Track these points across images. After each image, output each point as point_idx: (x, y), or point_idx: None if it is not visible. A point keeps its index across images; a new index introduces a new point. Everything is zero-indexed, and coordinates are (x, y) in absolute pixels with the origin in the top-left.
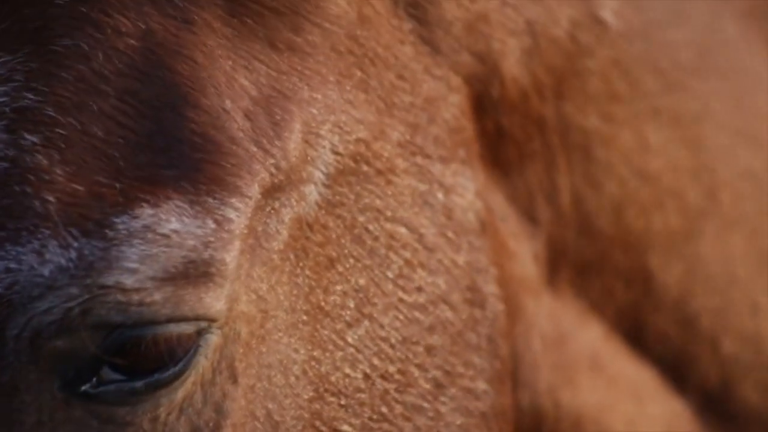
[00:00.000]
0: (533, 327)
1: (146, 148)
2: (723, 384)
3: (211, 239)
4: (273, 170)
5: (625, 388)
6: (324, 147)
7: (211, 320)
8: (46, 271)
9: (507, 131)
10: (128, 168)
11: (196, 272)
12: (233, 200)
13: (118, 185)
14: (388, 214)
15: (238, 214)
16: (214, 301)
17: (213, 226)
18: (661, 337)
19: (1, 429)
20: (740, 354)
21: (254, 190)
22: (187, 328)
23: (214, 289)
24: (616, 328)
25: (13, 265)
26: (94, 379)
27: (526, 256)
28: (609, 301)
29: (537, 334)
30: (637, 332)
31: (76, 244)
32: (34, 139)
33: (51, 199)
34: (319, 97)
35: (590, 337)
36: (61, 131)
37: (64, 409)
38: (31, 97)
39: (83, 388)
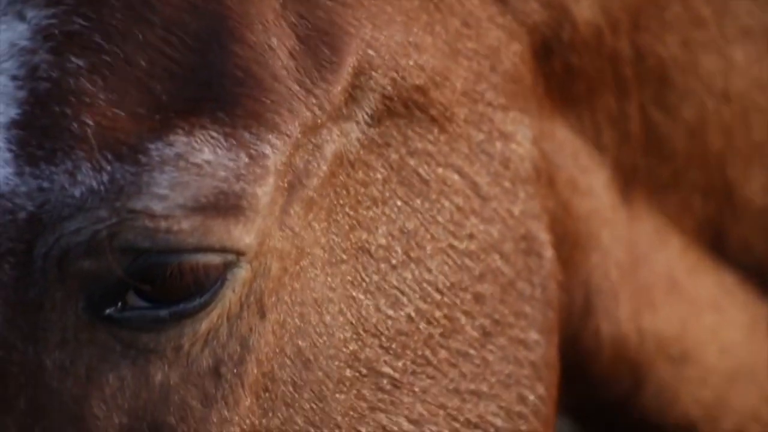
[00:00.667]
0: (609, 257)
1: (188, 82)
2: None
3: (243, 173)
4: (316, 110)
5: (705, 301)
6: (374, 90)
7: (239, 253)
8: (77, 192)
9: (576, 69)
10: (169, 100)
11: (226, 204)
12: (270, 137)
13: (157, 116)
14: (441, 159)
15: (275, 150)
16: (243, 234)
17: (246, 160)
18: (744, 245)
19: (24, 345)
20: None
21: (294, 128)
22: (214, 259)
23: (244, 222)
24: (696, 239)
25: (45, 184)
26: (119, 304)
27: (597, 186)
28: (687, 215)
29: (613, 264)
30: (718, 242)
31: (108, 168)
32: (80, 63)
33: (89, 122)
34: (382, 38)
35: (666, 257)
36: (106, 58)
37: (88, 331)
38: (80, 22)
39: (108, 311)
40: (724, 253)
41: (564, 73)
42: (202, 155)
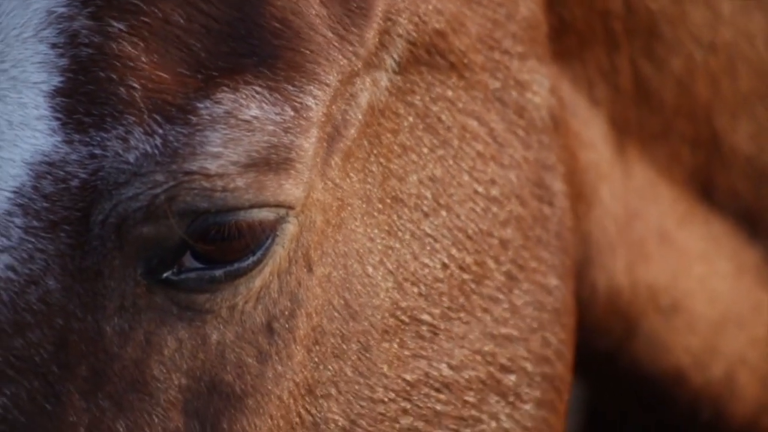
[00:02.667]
0: (607, 211)
1: (227, 36)
2: None
3: (290, 125)
4: (351, 57)
5: (694, 252)
6: (400, 35)
7: (290, 207)
8: (131, 158)
9: (569, 24)
10: (209, 58)
11: (278, 158)
12: (311, 87)
13: (199, 75)
14: (460, 106)
15: (317, 101)
16: (294, 188)
17: (291, 113)
18: (732, 193)
19: (83, 313)
20: None
21: (332, 78)
22: (268, 215)
23: (294, 176)
24: (686, 188)
25: (97, 151)
26: (176, 267)
27: (597, 139)
28: (677, 165)
29: (611, 217)
30: (707, 190)
31: (160, 131)
32: (120, 26)
33: (136, 85)
34: None
35: (657, 210)
36: (145, 19)
37: (145, 296)
38: None
39: (165, 275)
40: (713, 201)
41: (559, 28)
42: (250, 111)
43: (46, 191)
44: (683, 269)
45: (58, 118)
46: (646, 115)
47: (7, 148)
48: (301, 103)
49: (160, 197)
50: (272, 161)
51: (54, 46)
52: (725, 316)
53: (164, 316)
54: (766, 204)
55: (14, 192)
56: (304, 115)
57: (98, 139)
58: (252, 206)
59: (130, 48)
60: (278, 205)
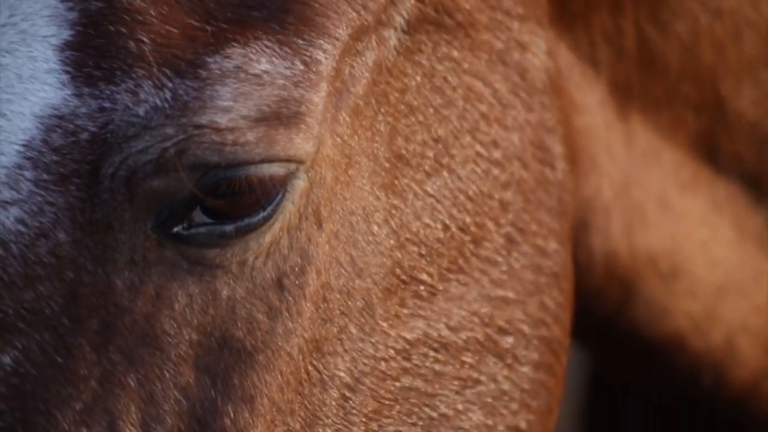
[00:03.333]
0: (604, 175)
1: None
2: None
3: (300, 79)
4: (360, 10)
5: (696, 217)
6: None
7: (300, 162)
8: (141, 111)
9: None
10: (218, 9)
11: (288, 112)
12: (321, 41)
13: (209, 28)
14: (465, 66)
15: (326, 55)
16: (304, 142)
17: (301, 67)
18: (736, 158)
19: (93, 266)
20: None
21: (342, 32)
22: (278, 170)
23: (304, 130)
24: (689, 153)
25: (107, 104)
26: (186, 222)
27: (592, 104)
28: (681, 130)
29: (607, 181)
30: (711, 155)
31: (170, 84)
32: None
33: (145, 39)
34: None
35: (659, 175)
36: None
37: (156, 250)
38: None
39: (175, 229)
40: (718, 167)
41: None
42: (260, 65)
43: (55, 144)
44: (684, 234)
45: (67, 72)
46: (650, 79)
47: (17, 102)
48: (310, 57)
49: (170, 150)
50: (282, 115)
51: (63, 0)
52: (726, 283)
53: (174, 271)
54: None
55: (24, 145)
56: (314, 69)
57: (108, 92)
58: (262, 160)
59: (138, 1)
60: (288, 160)
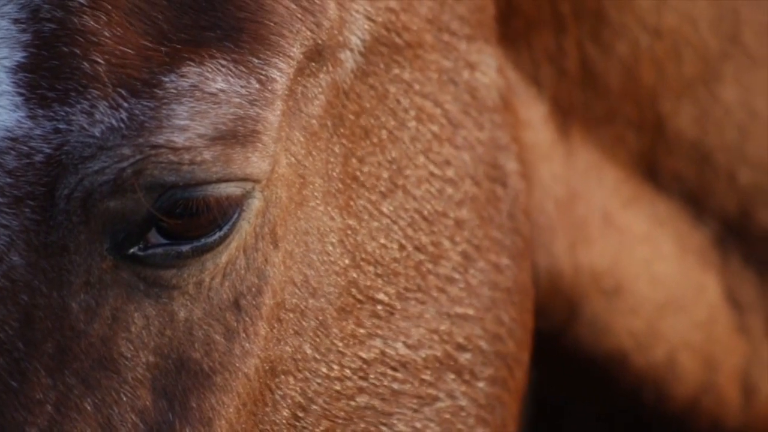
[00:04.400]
0: (547, 192)
1: (189, 9)
2: (742, 211)
3: (256, 98)
4: (314, 28)
5: (638, 234)
6: (359, 12)
7: (256, 181)
8: (97, 132)
9: (516, 6)
10: (172, 30)
11: (244, 130)
12: (276, 60)
13: (163, 48)
14: (416, 87)
15: (281, 74)
16: (260, 161)
17: (257, 85)
18: (677, 175)
19: (48, 289)
20: (759, 183)
21: (296, 50)
22: (235, 189)
23: (260, 149)
24: (631, 171)
25: (62, 126)
26: (142, 243)
27: (536, 121)
28: (622, 148)
29: (551, 198)
30: (652, 173)
31: (126, 105)
32: (83, 0)
33: (100, 60)
34: None
35: (601, 192)
36: None
37: (112, 271)
38: None
39: (131, 250)
40: (659, 184)
41: (506, 10)
42: (216, 84)
43: (9, 167)
44: (626, 251)
45: (21, 94)
46: (592, 98)
47: None
48: (266, 76)
49: (127, 171)
50: (239, 134)
51: (16, 21)
52: (668, 300)
53: (131, 293)
54: (709, 187)
55: None
56: (269, 88)
57: (62, 113)
58: (219, 180)
59: (92, 22)
60: (245, 179)
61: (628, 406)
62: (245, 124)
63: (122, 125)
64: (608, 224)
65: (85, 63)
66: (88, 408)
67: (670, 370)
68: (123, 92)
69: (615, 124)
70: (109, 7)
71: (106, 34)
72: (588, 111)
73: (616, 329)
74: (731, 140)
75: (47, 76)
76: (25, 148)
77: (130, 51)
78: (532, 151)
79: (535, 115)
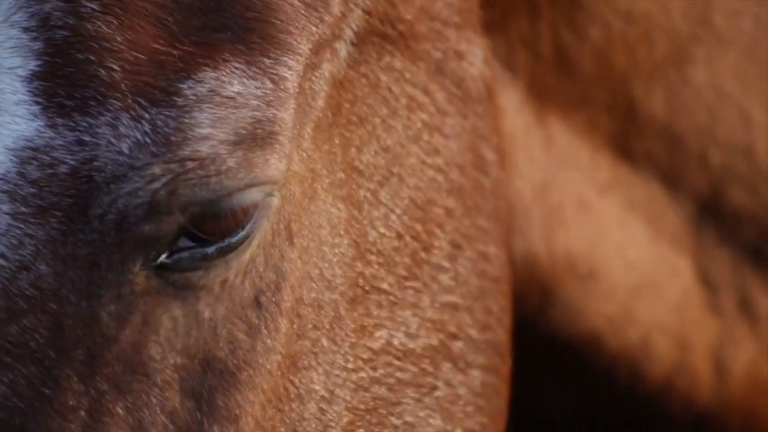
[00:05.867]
0: (523, 177)
1: (197, 10)
2: (714, 191)
3: (272, 98)
4: (318, 24)
5: (613, 218)
6: (357, 4)
7: (275, 183)
8: (125, 148)
9: None
10: (182, 32)
11: (263, 132)
12: (286, 58)
13: (175, 51)
14: (407, 76)
15: (292, 72)
16: (279, 162)
17: (271, 86)
18: (649, 157)
19: (77, 298)
20: (730, 164)
21: (304, 47)
22: (258, 194)
23: (278, 150)
24: (606, 154)
25: (86, 138)
26: (168, 250)
27: (512, 108)
28: (596, 131)
29: (527, 184)
30: (626, 155)
31: (147, 115)
32: (93, 5)
33: (116, 67)
34: None
35: (577, 176)
36: None
37: (143, 283)
38: None
39: (159, 260)
40: (633, 167)
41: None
42: (232, 87)
43: (32, 177)
44: (601, 236)
45: (38, 102)
46: (566, 82)
47: None
48: (278, 75)
49: (161, 192)
50: (258, 136)
51: (26, 30)
52: (642, 283)
53: (160, 298)
54: (681, 168)
55: None
56: (282, 87)
57: (84, 124)
58: (245, 186)
59: (105, 27)
60: (267, 182)
61: (602, 387)
62: (264, 126)
63: (148, 140)
64: (584, 209)
65: (101, 70)
66: (120, 412)
67: (643, 352)
68: (142, 101)
69: (588, 108)
70: (119, 10)
71: (119, 39)
72: (562, 96)
73: (590, 313)
74: (702, 122)
75: (64, 83)
76: (47, 158)
77: (143, 56)
78: (510, 138)
79: (511, 101)
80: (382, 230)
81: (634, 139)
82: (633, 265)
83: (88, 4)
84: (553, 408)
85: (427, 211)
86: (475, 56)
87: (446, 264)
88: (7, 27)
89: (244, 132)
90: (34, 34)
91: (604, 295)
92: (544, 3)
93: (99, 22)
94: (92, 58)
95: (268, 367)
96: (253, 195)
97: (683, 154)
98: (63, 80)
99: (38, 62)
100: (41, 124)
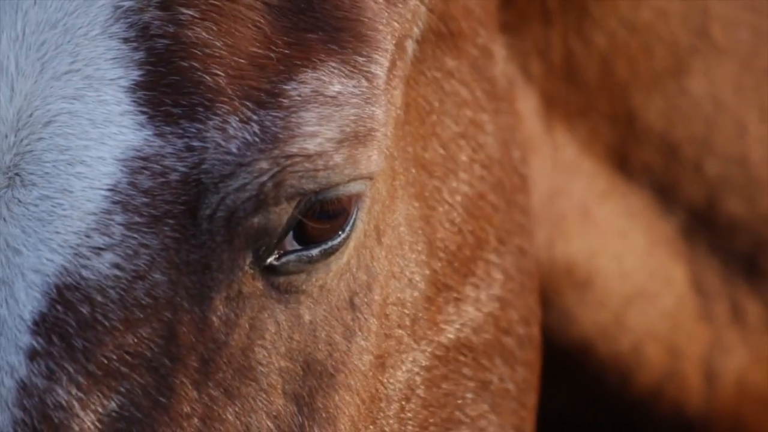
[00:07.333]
0: (534, 186)
1: (287, 11)
2: (708, 201)
3: (368, 96)
4: (399, 20)
5: (612, 228)
6: (423, 2)
7: (372, 178)
8: (233, 148)
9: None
10: (275, 33)
11: (364, 129)
12: (376, 56)
13: (272, 54)
14: (455, 73)
15: (381, 69)
16: (378, 158)
17: (366, 83)
18: (646, 167)
19: (190, 304)
20: (725, 174)
21: (389, 43)
22: (361, 186)
23: (377, 146)
24: (606, 163)
25: (195, 143)
26: (277, 252)
27: (526, 113)
28: (597, 140)
29: (536, 193)
30: (624, 164)
31: (255, 117)
32: (191, 12)
33: (220, 72)
34: None
35: (580, 185)
36: (212, 2)
37: (250, 284)
38: None
39: (269, 260)
40: (630, 176)
41: (502, 3)
42: (333, 87)
43: (144, 186)
44: (601, 246)
45: (144, 112)
46: (572, 92)
47: (95, 147)
48: (371, 73)
49: (268, 184)
50: (360, 134)
51: (126, 40)
52: (636, 292)
53: (265, 301)
54: (677, 178)
55: (110, 190)
56: (375, 84)
57: (193, 130)
58: (350, 180)
59: (205, 34)
60: (369, 177)
61: (591, 392)
62: (364, 123)
63: (256, 139)
64: (586, 218)
65: (206, 76)
66: (230, 417)
67: (634, 359)
68: (249, 104)
69: (590, 118)
70: (216, 15)
71: (219, 44)
72: (568, 105)
73: (583, 320)
74: (698, 132)
75: (169, 92)
76: (158, 167)
77: (243, 61)
78: (526, 143)
79: (528, 108)
80: (447, 226)
81: (632, 148)
82: (629, 274)
83: (186, 11)
84: (542, 412)
85: (479, 206)
86: (500, 55)
87: (496, 259)
88: (106, 38)
89: (348, 129)
90: (135, 44)
91: (598, 304)
92: (556, 10)
93: (198, 29)
94: (195, 64)
95: (362, 368)
96: (357, 186)
97: (679, 164)
98: (167, 88)
99: (140, 72)
100: (149, 133)
